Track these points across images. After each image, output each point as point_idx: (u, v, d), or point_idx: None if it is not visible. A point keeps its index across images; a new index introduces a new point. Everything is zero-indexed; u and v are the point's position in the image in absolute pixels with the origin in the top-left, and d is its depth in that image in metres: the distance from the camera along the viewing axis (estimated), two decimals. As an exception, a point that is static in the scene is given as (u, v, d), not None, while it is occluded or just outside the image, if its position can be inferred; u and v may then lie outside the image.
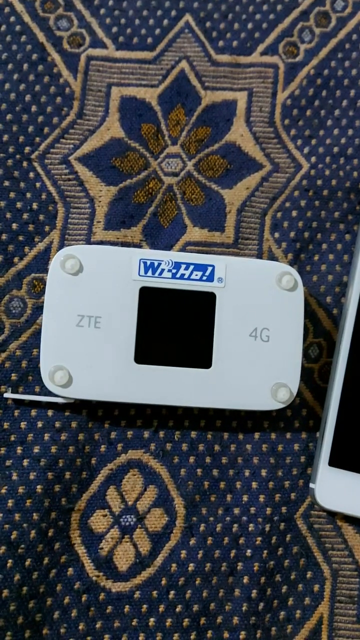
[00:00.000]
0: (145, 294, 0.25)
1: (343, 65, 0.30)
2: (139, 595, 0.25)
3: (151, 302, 0.25)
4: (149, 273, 0.25)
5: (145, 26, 0.30)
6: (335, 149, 0.29)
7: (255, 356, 0.25)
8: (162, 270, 0.25)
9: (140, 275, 0.25)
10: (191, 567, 0.25)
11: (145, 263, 0.25)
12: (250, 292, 0.25)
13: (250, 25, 0.30)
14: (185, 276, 0.25)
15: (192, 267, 0.25)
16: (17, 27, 0.29)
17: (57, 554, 0.25)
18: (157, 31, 0.30)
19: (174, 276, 0.25)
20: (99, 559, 0.25)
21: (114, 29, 0.30)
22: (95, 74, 0.29)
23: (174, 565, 0.25)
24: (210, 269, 0.25)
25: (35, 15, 0.29)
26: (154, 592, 0.25)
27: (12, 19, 0.29)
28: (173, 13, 0.30)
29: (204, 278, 0.25)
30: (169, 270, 0.25)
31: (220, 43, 0.30)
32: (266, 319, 0.25)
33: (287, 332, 0.25)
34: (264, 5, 0.31)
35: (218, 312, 0.25)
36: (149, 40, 0.30)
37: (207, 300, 0.25)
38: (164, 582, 0.25)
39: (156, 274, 0.25)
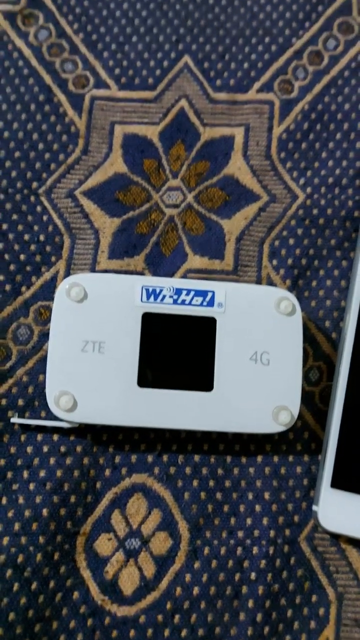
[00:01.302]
0: (148, 319, 0.25)
1: (336, 100, 0.32)
2: (144, 619, 0.25)
3: (153, 327, 0.25)
4: (151, 299, 0.26)
5: (146, 67, 0.31)
6: (330, 180, 0.30)
7: (256, 379, 0.25)
8: (164, 296, 0.26)
9: (142, 302, 0.25)
10: (196, 590, 0.25)
11: (147, 290, 0.26)
12: (250, 316, 0.26)
13: (246, 65, 0.32)
14: (187, 302, 0.26)
15: (192, 293, 0.26)
16: (25, 71, 0.31)
17: (62, 578, 0.25)
18: (158, 72, 0.31)
19: (175, 302, 0.26)
20: (104, 583, 0.25)
21: (117, 71, 0.31)
22: (99, 112, 0.31)
23: (178, 588, 0.25)
24: (210, 294, 0.26)
25: (42, 59, 0.31)
26: (159, 616, 0.25)
27: (20, 63, 0.31)
28: (172, 55, 0.32)
29: (205, 303, 0.26)
30: (171, 297, 0.26)
31: (218, 82, 0.32)
32: (266, 343, 0.26)
33: (286, 356, 0.25)
34: (259, 45, 0.32)
35: (219, 336, 0.26)
36: (150, 80, 0.31)
37: (208, 325, 0.26)
38: (169, 605, 0.25)
39: (158, 300, 0.26)
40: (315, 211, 0.30)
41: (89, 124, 0.30)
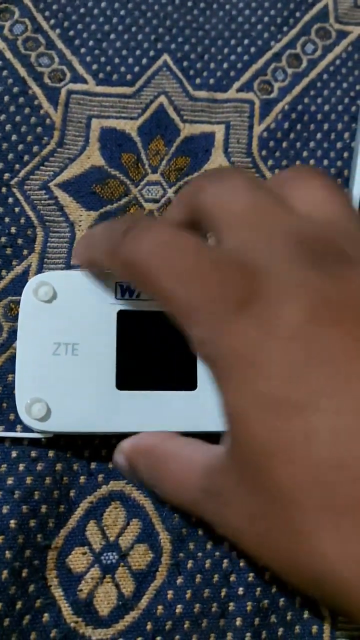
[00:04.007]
0: (124, 317, 0.24)
1: (316, 101, 0.31)
2: (122, 643, 0.22)
3: (130, 325, 0.24)
4: (126, 296, 0.24)
5: (124, 64, 0.31)
6: (313, 178, 0.30)
7: (242, 375, 0.24)
8: (140, 292, 0.24)
9: (117, 299, 0.24)
10: (179, 609, 0.23)
11: (121, 286, 0.24)
12: None
13: (225, 65, 0.31)
14: None
15: (173, 286, 0.24)
16: (-1, 63, 0.30)
17: (31, 597, 0.22)
18: (136, 69, 0.31)
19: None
20: (78, 603, 0.23)
21: (94, 66, 0.30)
22: (76, 106, 0.30)
23: (160, 607, 0.23)
24: (192, 287, 0.24)
25: (17, 52, 0.30)
26: (139, 639, 0.22)
27: (-6, 54, 0.30)
28: (151, 53, 0.31)
29: None
30: None
31: (198, 80, 0.31)
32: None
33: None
34: (238, 47, 0.32)
35: None
36: (128, 76, 0.30)
37: None
38: (149, 626, 0.23)
39: (134, 297, 0.24)
40: (298, 209, 0.29)
41: (65, 117, 0.29)
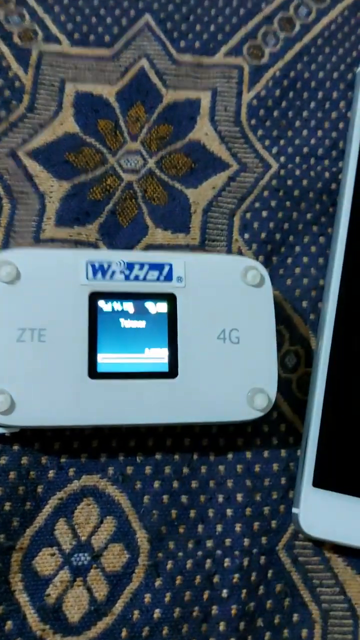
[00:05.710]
0: (96, 299, 0.22)
1: (309, 68, 0.29)
2: (93, 652, 0.20)
3: (103, 308, 0.22)
4: (99, 276, 0.22)
5: (102, 24, 0.28)
6: (305, 149, 0.28)
7: (226, 360, 0.22)
8: (114, 272, 0.22)
9: (88, 280, 0.22)
10: (157, 613, 0.21)
11: (93, 265, 0.22)
12: (214, 290, 0.22)
13: (212, 28, 0.29)
14: (140, 277, 0.22)
15: (147, 267, 0.22)
16: (-36, 20, 0.27)
17: (-7, 603, 0.20)
18: (115, 29, 0.28)
19: (127, 278, 0.22)
20: (45, 609, 0.21)
21: (69, 26, 0.28)
22: (48, 68, 0.27)
23: (136, 612, 0.21)
24: (167, 267, 0.22)
25: (-16, 9, 0.28)
26: (112, 647, 0.21)
27: None
28: (132, 13, 0.29)
29: (162, 278, 0.22)
30: (122, 272, 0.22)
31: (182, 43, 0.29)
32: (234, 319, 0.22)
33: (258, 332, 0.22)
34: (226, 8, 0.30)
35: (180, 314, 0.22)
36: (107, 38, 0.28)
37: (167, 303, 0.22)
38: (124, 633, 0.21)
39: (107, 277, 0.22)
40: (289, 182, 0.27)
41: (36, 79, 0.27)
